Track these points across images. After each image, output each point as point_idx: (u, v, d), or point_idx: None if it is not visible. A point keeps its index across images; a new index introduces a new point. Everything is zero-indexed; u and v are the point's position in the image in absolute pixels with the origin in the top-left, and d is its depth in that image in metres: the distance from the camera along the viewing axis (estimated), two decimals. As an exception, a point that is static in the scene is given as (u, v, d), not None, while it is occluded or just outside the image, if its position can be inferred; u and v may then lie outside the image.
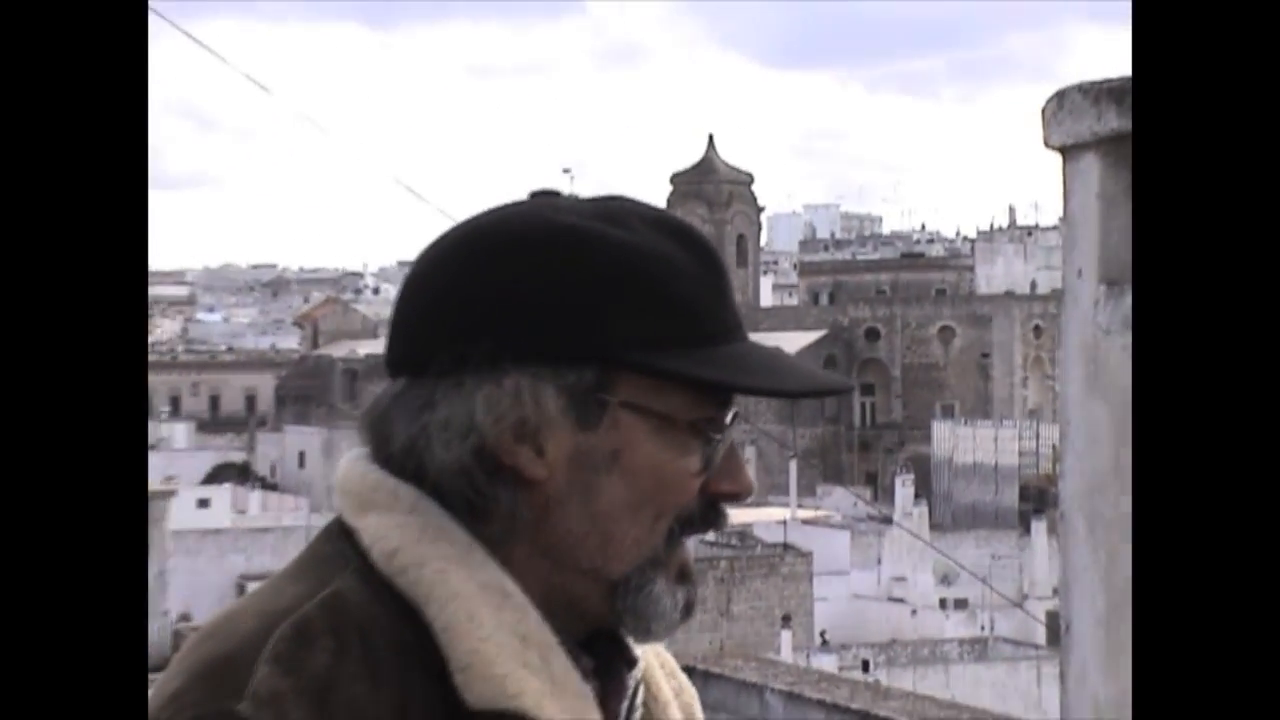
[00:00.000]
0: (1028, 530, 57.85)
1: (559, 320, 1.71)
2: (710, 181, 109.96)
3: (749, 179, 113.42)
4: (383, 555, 1.71)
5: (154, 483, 13.49)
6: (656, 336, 1.73)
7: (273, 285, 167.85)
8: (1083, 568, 4.92)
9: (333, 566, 1.72)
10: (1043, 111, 5.29)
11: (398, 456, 1.75)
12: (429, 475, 1.73)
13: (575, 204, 1.80)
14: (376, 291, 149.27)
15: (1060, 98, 5.27)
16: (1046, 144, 5.27)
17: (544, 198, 1.82)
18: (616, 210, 1.79)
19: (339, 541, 1.76)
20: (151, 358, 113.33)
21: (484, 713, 1.66)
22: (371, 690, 1.63)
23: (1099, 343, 4.90)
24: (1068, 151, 5.23)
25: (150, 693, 1.69)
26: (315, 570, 1.74)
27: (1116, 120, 4.96)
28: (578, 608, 1.76)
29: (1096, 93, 5.18)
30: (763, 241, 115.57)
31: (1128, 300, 4.71)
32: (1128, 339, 4.56)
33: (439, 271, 1.77)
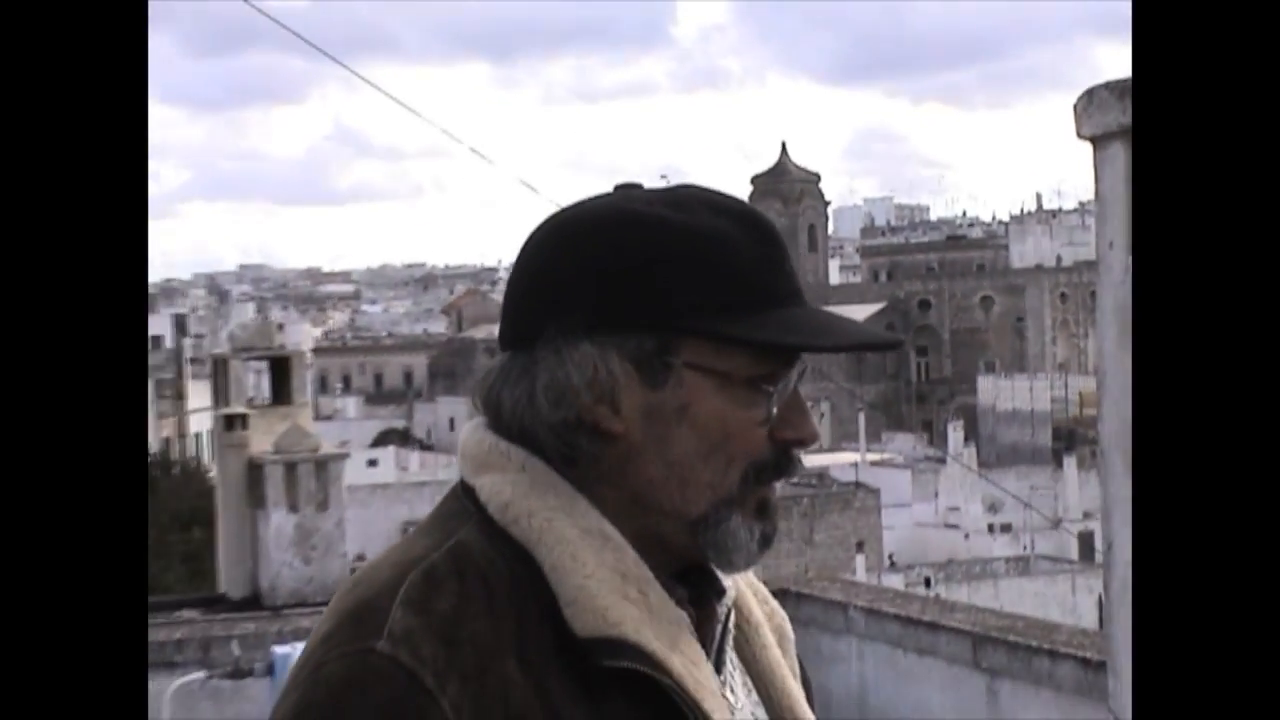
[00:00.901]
0: (1060, 465, 57.97)
1: (624, 293, 1.70)
2: (784, 181, 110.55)
3: (816, 178, 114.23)
4: (498, 508, 1.72)
5: (330, 447, 13.58)
6: (714, 304, 1.72)
7: (423, 280, 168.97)
8: (1120, 497, 4.85)
9: (456, 520, 1.73)
10: (1075, 107, 5.21)
11: (507, 421, 1.75)
12: (533, 436, 1.73)
13: (647, 194, 1.80)
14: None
15: (1090, 95, 5.18)
16: (1079, 134, 5.19)
17: (625, 189, 1.82)
18: (683, 197, 1.78)
19: (461, 499, 1.76)
20: (324, 344, 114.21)
21: (590, 640, 1.65)
22: (492, 625, 1.63)
23: (1129, 304, 4.83)
24: (1097, 141, 5.15)
25: (310, 636, 1.71)
26: (441, 525, 1.74)
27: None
28: (667, 545, 1.75)
29: (1121, 90, 5.09)
30: (829, 230, 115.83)
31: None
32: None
33: (535, 256, 1.78)
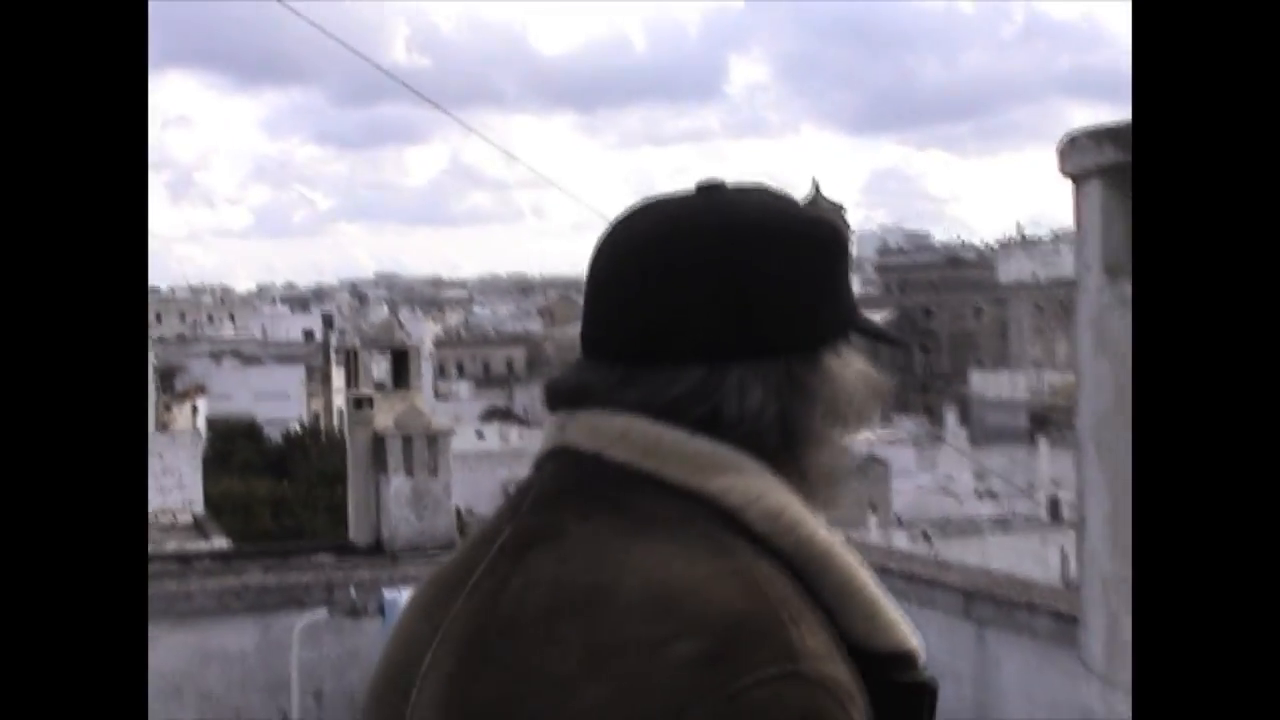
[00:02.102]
0: (1034, 443, 57.97)
1: (787, 310, 1.39)
2: (816, 210, 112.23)
3: (842, 209, 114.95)
4: (764, 515, 1.34)
5: (442, 424, 13.52)
6: (851, 303, 1.46)
7: (523, 288, 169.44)
8: (1094, 481, 4.61)
9: (696, 524, 1.32)
10: (1058, 150, 4.96)
11: (694, 425, 1.37)
12: (726, 439, 1.36)
13: (750, 197, 1.45)
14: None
15: (1071, 140, 4.92)
16: (1061, 172, 4.93)
17: (713, 190, 1.43)
18: (782, 201, 1.48)
19: (676, 500, 1.34)
20: (443, 339, 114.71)
21: (887, 655, 1.33)
22: (828, 638, 1.27)
23: (1103, 317, 4.58)
24: (1078, 178, 4.90)
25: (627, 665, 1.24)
26: (678, 529, 1.32)
27: (1114, 155, 4.64)
28: None
29: (1097, 136, 4.85)
30: (852, 251, 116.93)
31: (1125, 286, 4.37)
32: (1126, 314, 4.25)
33: (682, 271, 1.37)
